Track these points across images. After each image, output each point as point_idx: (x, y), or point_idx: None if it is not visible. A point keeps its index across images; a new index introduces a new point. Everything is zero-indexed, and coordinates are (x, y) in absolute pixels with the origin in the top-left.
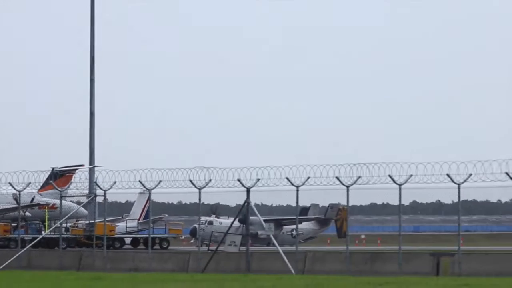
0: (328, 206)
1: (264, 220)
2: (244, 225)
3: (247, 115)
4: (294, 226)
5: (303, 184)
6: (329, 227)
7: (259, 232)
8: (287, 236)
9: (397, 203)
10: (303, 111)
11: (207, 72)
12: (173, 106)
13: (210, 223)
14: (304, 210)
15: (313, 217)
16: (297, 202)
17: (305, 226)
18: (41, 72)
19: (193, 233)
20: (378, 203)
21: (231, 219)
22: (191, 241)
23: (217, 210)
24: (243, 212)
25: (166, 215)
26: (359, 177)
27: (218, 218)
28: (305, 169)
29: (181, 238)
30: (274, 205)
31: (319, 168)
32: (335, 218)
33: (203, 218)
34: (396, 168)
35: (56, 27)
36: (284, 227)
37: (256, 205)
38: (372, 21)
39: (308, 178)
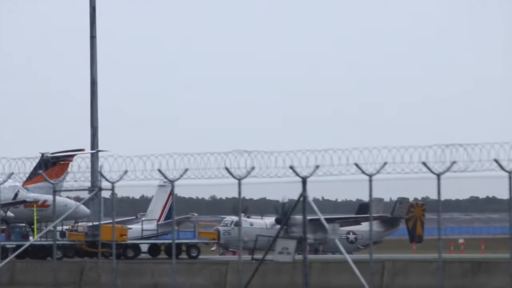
0: (396, 202)
1: (312, 220)
2: (283, 227)
3: (299, 86)
4: (350, 228)
5: (378, 172)
6: (397, 229)
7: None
8: (342, 240)
9: (506, 196)
10: (374, 80)
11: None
12: (201, 72)
13: (238, 224)
14: (364, 207)
15: (377, 215)
16: (370, 196)
17: (366, 227)
18: (29, 29)
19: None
20: (480, 197)
21: (266, 219)
22: (213, 248)
23: (247, 207)
24: (296, 208)
25: (195, 214)
26: (454, 162)
27: (248, 217)
28: (380, 152)
29: (215, 244)
30: (337, 200)
31: (399, 151)
32: (406, 217)
33: (228, 218)
34: (504, 150)
35: None
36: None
37: (316, 200)
38: None
39: (385, 164)
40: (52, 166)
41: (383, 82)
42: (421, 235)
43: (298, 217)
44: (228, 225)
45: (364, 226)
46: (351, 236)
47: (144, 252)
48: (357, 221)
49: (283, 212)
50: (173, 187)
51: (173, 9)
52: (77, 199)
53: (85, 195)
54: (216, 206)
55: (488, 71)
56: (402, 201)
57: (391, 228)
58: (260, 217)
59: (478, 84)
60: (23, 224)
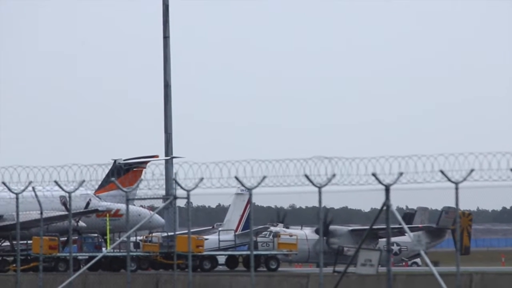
0: (442, 211)
1: (354, 230)
2: (325, 238)
3: (386, 90)
4: (394, 239)
5: (465, 179)
6: (443, 239)
7: (345, 248)
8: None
9: None
10: (465, 80)
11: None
12: (277, 73)
13: (277, 235)
14: (408, 217)
15: (422, 225)
16: (456, 205)
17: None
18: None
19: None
20: None
21: (306, 230)
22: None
23: (285, 217)
24: (379, 217)
25: (274, 224)
26: None
27: (287, 228)
28: (466, 158)
29: (296, 255)
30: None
31: (486, 157)
32: (452, 227)
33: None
34: None
35: None
36: (380, 239)
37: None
38: None
39: (472, 170)
40: (125, 173)
41: (467, 82)
42: (468, 246)
43: (339, 228)
44: (266, 236)
45: (408, 237)
46: (395, 248)
47: (221, 264)
48: (400, 232)
49: (324, 222)
50: (250, 195)
51: (251, 9)
52: (151, 208)
53: (160, 204)
54: (296, 215)
55: None
56: (448, 210)
57: (437, 238)
58: (300, 227)
59: None
60: (96, 235)
